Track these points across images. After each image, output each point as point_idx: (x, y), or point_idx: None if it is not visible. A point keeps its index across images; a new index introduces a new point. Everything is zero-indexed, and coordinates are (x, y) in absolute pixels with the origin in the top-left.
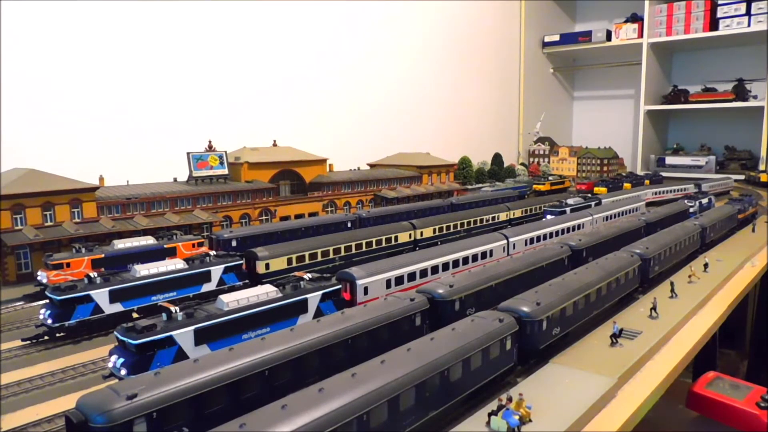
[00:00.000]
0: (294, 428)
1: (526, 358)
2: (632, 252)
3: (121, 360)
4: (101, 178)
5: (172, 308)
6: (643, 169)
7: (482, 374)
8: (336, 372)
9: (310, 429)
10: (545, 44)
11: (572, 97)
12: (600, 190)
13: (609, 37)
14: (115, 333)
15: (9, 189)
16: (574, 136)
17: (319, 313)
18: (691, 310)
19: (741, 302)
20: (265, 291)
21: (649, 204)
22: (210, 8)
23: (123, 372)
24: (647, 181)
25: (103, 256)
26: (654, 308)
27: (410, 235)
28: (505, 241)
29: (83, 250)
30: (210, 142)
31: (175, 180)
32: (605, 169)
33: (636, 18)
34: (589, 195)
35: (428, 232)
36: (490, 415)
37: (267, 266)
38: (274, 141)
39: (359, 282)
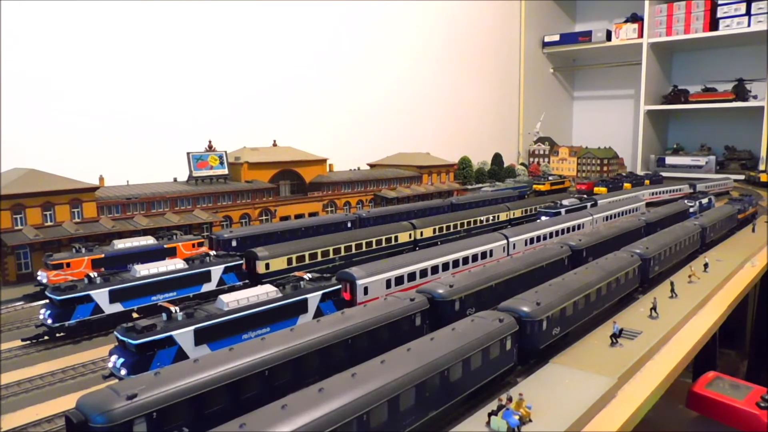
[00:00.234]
0: (294, 428)
1: (526, 358)
2: (632, 252)
3: (121, 360)
4: (101, 178)
5: (172, 308)
6: (643, 169)
7: (482, 374)
8: (336, 372)
9: (310, 429)
10: (545, 44)
11: (572, 97)
12: (600, 190)
13: (609, 37)
14: (115, 333)
15: (9, 189)
16: (574, 136)
17: (319, 313)
18: (691, 310)
19: (741, 302)
20: (265, 291)
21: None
22: (210, 8)
23: (123, 372)
24: (647, 181)
25: (103, 256)
26: (654, 308)
27: (410, 235)
28: (505, 241)
29: (83, 250)
30: (210, 142)
31: (175, 180)
32: (605, 169)
33: (636, 18)
34: (585, 196)
35: (428, 232)
36: (490, 415)
37: (267, 266)
38: (274, 141)
39: (359, 282)
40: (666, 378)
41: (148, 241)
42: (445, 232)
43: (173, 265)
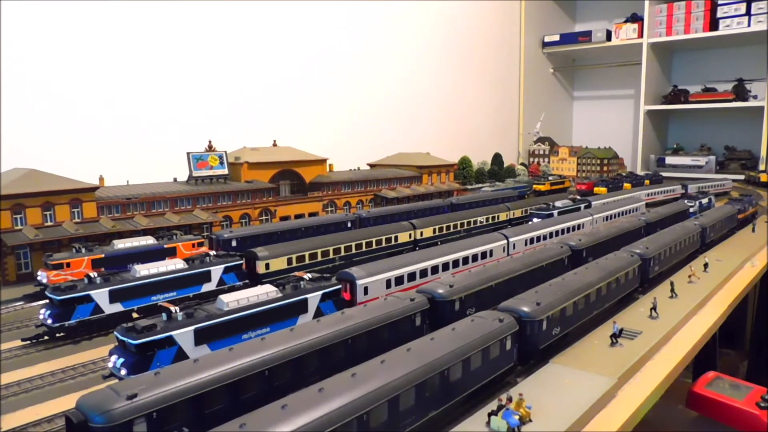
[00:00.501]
0: (294, 428)
1: (526, 358)
2: (632, 252)
3: (121, 360)
4: (101, 178)
5: (172, 308)
6: (643, 169)
7: (482, 374)
8: (336, 372)
9: (310, 429)
10: (545, 44)
11: (572, 97)
12: (600, 190)
13: (609, 37)
14: (115, 333)
15: (9, 189)
16: (574, 136)
17: (319, 313)
18: (691, 310)
19: (741, 302)
20: (265, 291)
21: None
22: (210, 8)
23: (123, 372)
24: (647, 181)
25: (103, 256)
26: (654, 308)
27: (410, 235)
28: (505, 241)
29: (83, 250)
30: (210, 142)
31: (175, 180)
32: (605, 169)
33: (636, 18)
34: (578, 197)
35: (428, 232)
36: (490, 415)
37: (267, 266)
38: (274, 141)
39: (359, 282)
40: (666, 378)
41: (148, 241)
42: (445, 232)
43: (173, 265)
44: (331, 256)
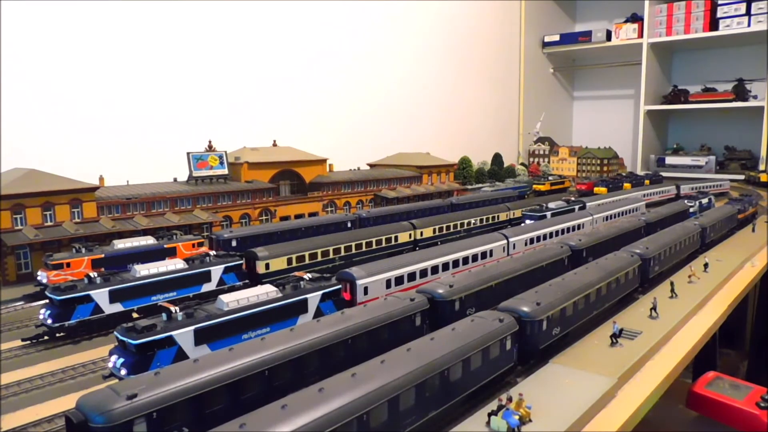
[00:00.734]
0: (294, 428)
1: (526, 358)
2: (632, 252)
3: (121, 360)
4: (101, 178)
5: (172, 308)
6: (643, 169)
7: (482, 374)
8: (336, 372)
9: (310, 429)
10: (545, 44)
11: (572, 97)
12: (600, 190)
13: (609, 37)
14: (115, 333)
15: (9, 189)
16: (574, 136)
17: (319, 313)
18: (691, 310)
19: (741, 302)
20: (265, 291)
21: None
22: (210, 8)
23: (123, 372)
24: (647, 181)
25: (103, 256)
26: (654, 308)
27: (410, 235)
28: (505, 241)
29: (83, 250)
30: (210, 142)
31: (175, 180)
32: (605, 169)
33: (636, 18)
34: (572, 198)
35: (428, 232)
36: (490, 415)
37: (267, 266)
38: (274, 141)
39: (359, 282)
40: (666, 378)
41: (148, 241)
42: (445, 232)
43: (173, 265)
44: (331, 256)
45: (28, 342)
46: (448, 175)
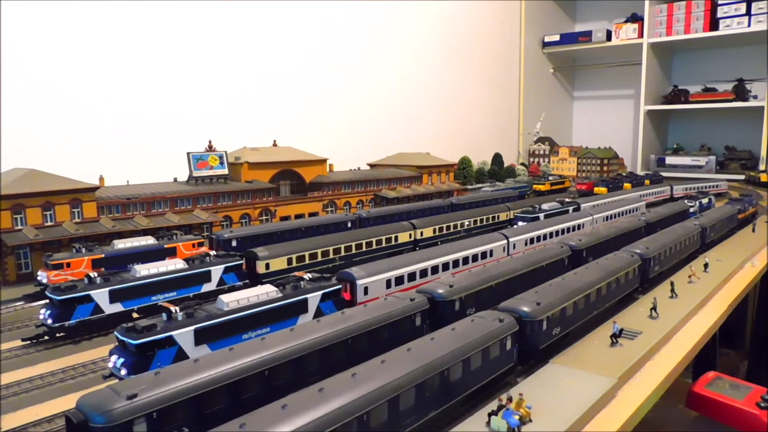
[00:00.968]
0: (294, 428)
1: (526, 358)
2: (632, 252)
3: (122, 360)
4: (101, 178)
5: (172, 308)
6: (644, 169)
7: (482, 374)
8: (336, 372)
9: (310, 429)
10: (545, 44)
11: (572, 97)
12: (600, 190)
13: (609, 37)
14: (115, 333)
15: (9, 189)
16: (574, 136)
17: (319, 313)
18: (691, 310)
19: (741, 302)
20: (265, 291)
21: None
22: (211, 8)
23: (123, 372)
24: (647, 181)
25: (103, 256)
26: (654, 308)
27: (410, 235)
28: (505, 241)
29: (83, 250)
30: (210, 142)
31: (175, 180)
32: (605, 169)
33: (636, 18)
34: (567, 200)
35: (428, 232)
36: (490, 415)
37: (267, 266)
38: (274, 141)
39: (359, 282)
40: (666, 378)
41: (148, 241)
42: (445, 232)
43: (173, 265)
44: (331, 256)
45: (29, 342)
46: (448, 175)
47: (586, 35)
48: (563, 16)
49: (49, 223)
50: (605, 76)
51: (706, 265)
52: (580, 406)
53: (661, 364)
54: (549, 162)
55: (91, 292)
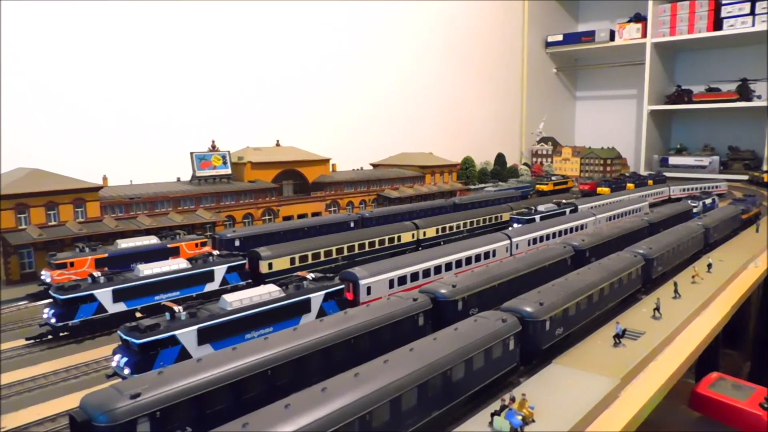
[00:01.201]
0: (297, 428)
1: (528, 358)
2: (635, 252)
3: (125, 359)
4: (104, 178)
5: (176, 308)
6: (647, 169)
7: (485, 374)
8: (339, 372)
9: (313, 429)
10: (548, 44)
11: (575, 97)
12: (603, 190)
13: (612, 37)
14: (119, 332)
15: (13, 188)
16: (577, 136)
17: (322, 313)
18: (694, 311)
19: (744, 303)
20: (268, 291)
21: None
22: (213, 8)
23: (126, 371)
24: (651, 182)
25: (106, 255)
26: (657, 309)
27: (413, 235)
28: (507, 241)
29: (87, 249)
30: (213, 141)
31: (178, 180)
32: (608, 169)
33: (639, 18)
34: (564, 201)
35: (431, 232)
36: (492, 415)
37: (270, 266)
38: (277, 141)
39: (362, 282)
40: (669, 378)
41: (152, 240)
42: (447, 232)
43: (176, 264)
44: (334, 256)
45: (32, 341)
46: (451, 175)
47: (589, 35)
48: (566, 16)
49: (53, 223)
50: (608, 76)
51: (709, 266)
52: (583, 407)
53: (664, 365)
54: (552, 162)
55: (95, 292)
